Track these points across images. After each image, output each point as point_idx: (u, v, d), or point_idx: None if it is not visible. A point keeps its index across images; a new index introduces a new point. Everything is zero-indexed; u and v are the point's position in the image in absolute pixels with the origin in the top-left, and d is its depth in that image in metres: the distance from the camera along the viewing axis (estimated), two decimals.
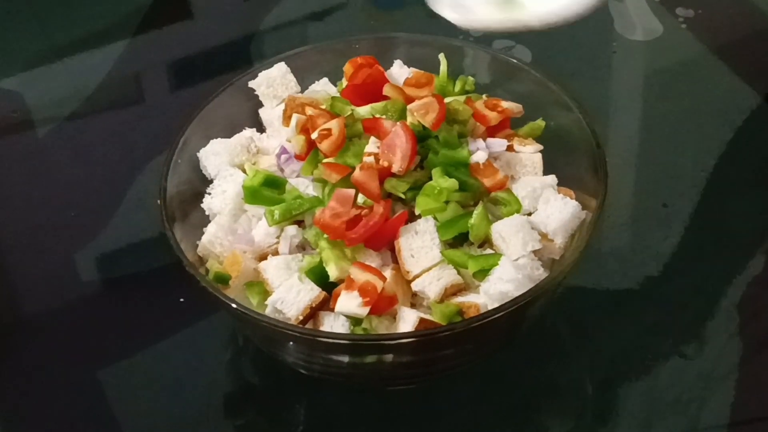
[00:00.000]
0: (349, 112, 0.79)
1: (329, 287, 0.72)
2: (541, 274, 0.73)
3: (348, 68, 0.84)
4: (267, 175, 0.77)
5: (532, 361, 0.79)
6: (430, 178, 0.75)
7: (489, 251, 0.74)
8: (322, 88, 0.86)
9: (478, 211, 0.74)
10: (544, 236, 0.74)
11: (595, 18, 1.10)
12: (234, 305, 0.69)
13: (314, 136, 0.76)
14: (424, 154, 0.76)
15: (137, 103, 1.08)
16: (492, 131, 0.81)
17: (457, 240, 0.74)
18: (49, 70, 1.10)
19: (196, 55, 1.10)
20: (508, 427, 0.77)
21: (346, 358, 0.73)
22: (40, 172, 0.99)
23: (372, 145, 0.76)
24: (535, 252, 0.73)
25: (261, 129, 0.86)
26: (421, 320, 0.70)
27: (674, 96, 1.01)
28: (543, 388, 0.78)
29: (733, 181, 0.92)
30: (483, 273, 0.71)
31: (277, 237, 0.76)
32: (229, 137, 0.83)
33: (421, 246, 0.73)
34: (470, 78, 0.85)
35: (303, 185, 0.78)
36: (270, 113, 0.85)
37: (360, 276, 0.70)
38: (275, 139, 0.83)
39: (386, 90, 0.79)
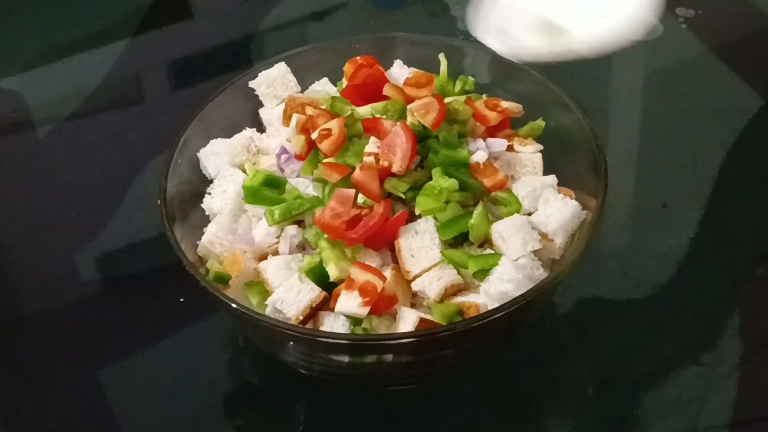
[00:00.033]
0: (349, 112, 0.79)
1: (329, 287, 0.72)
2: (541, 274, 0.73)
3: (348, 68, 0.84)
4: (267, 175, 0.77)
5: (532, 361, 0.79)
6: (430, 178, 0.75)
7: (489, 251, 0.74)
8: (322, 88, 0.86)
9: (478, 211, 0.74)
10: (544, 236, 0.74)
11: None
12: (234, 305, 0.69)
13: (314, 136, 0.76)
14: (424, 154, 0.76)
15: (137, 103, 1.08)
16: (492, 131, 0.81)
17: (457, 240, 0.74)
18: (49, 70, 1.10)
19: (196, 55, 1.10)
20: (508, 427, 0.77)
21: (346, 358, 0.73)
22: (40, 172, 0.99)
23: (372, 145, 0.76)
24: (535, 252, 0.73)
25: (261, 129, 0.86)
26: (421, 320, 0.70)
27: (674, 96, 1.01)
28: (543, 388, 0.78)
29: (733, 181, 0.92)
30: (483, 273, 0.71)
31: (277, 237, 0.76)
32: (229, 137, 0.83)
33: (421, 246, 0.73)
34: (470, 78, 0.85)
35: (303, 185, 0.78)
36: (270, 113, 0.85)
37: (360, 276, 0.70)
38: (275, 139, 0.83)
39: (386, 90, 0.79)
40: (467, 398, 0.78)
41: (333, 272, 0.72)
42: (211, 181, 0.81)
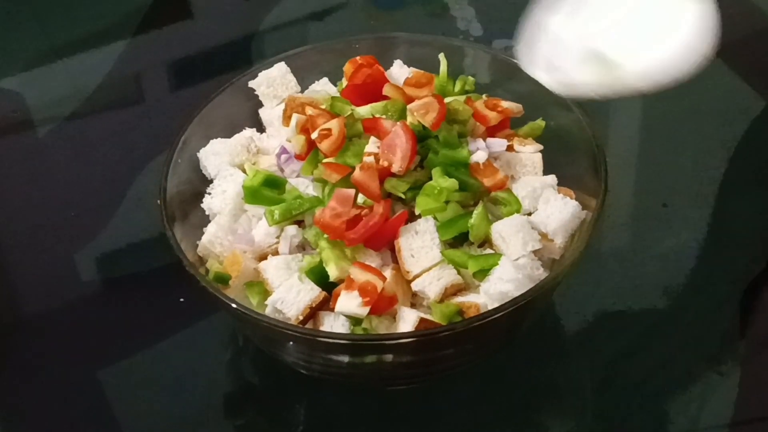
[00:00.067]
0: (349, 112, 0.79)
1: (329, 287, 0.72)
2: (541, 274, 0.73)
3: (348, 68, 0.84)
4: (267, 175, 0.77)
5: (532, 361, 0.79)
6: (430, 178, 0.75)
7: (489, 251, 0.74)
8: (322, 88, 0.86)
9: (478, 211, 0.74)
10: (544, 236, 0.74)
11: None
12: (234, 305, 0.69)
13: (314, 136, 0.76)
14: (424, 154, 0.76)
15: (137, 103, 1.08)
16: (492, 131, 0.81)
17: (457, 240, 0.74)
18: (49, 70, 1.10)
19: (196, 55, 1.10)
20: (508, 427, 0.77)
21: (346, 358, 0.73)
22: (40, 172, 0.99)
23: (372, 145, 0.76)
24: (535, 252, 0.73)
25: (261, 129, 0.86)
26: (421, 320, 0.70)
27: (674, 96, 1.00)
28: (543, 388, 0.78)
29: (733, 181, 0.92)
30: (483, 273, 0.71)
31: (277, 237, 0.76)
32: (229, 137, 0.83)
33: (421, 246, 0.73)
34: (470, 78, 0.85)
35: (303, 185, 0.78)
36: (270, 113, 0.85)
37: (360, 276, 0.70)
38: (275, 139, 0.83)
39: (386, 90, 0.79)
40: (467, 398, 0.78)
41: (333, 272, 0.72)
42: (211, 181, 0.81)
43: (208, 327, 0.83)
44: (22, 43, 1.14)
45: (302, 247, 0.76)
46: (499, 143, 0.79)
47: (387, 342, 0.69)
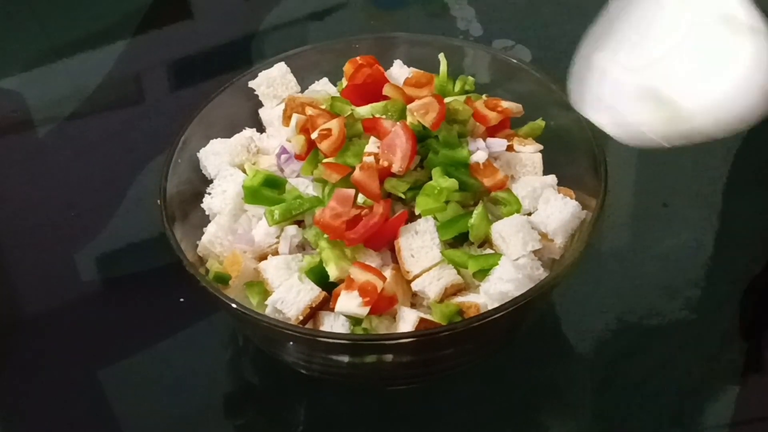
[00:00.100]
0: (349, 112, 0.79)
1: (329, 287, 0.72)
2: (541, 274, 0.73)
3: (348, 68, 0.84)
4: (267, 175, 0.77)
5: (532, 361, 0.79)
6: (430, 178, 0.75)
7: (489, 251, 0.74)
8: (322, 88, 0.86)
9: (478, 211, 0.74)
10: (544, 236, 0.74)
11: (596, 18, 1.11)
12: (234, 305, 0.69)
13: (314, 136, 0.76)
14: (424, 154, 0.76)
15: (137, 103, 1.08)
16: (492, 131, 0.81)
17: (457, 240, 0.74)
18: (49, 70, 1.10)
19: (196, 55, 1.10)
20: (508, 427, 0.77)
21: (346, 358, 0.73)
22: (40, 172, 0.99)
23: (372, 145, 0.76)
24: (535, 252, 0.73)
25: (261, 129, 0.86)
26: (421, 320, 0.70)
27: None
28: (543, 388, 0.78)
29: (733, 181, 0.92)
30: (483, 273, 0.71)
31: (277, 237, 0.76)
32: (229, 137, 0.83)
33: (421, 246, 0.73)
34: (470, 78, 0.85)
35: (303, 185, 0.78)
36: (270, 113, 0.85)
37: (360, 276, 0.70)
38: (275, 139, 0.83)
39: (386, 90, 0.79)
40: (467, 398, 0.78)
41: (333, 272, 0.72)
42: (211, 181, 0.81)
43: (208, 327, 0.83)
44: (22, 43, 1.14)
45: (302, 247, 0.76)
46: (499, 143, 0.79)
47: (387, 342, 0.69)
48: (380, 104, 0.79)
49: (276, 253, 0.76)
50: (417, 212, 0.74)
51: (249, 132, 0.84)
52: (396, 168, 0.74)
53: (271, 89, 0.85)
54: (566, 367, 0.80)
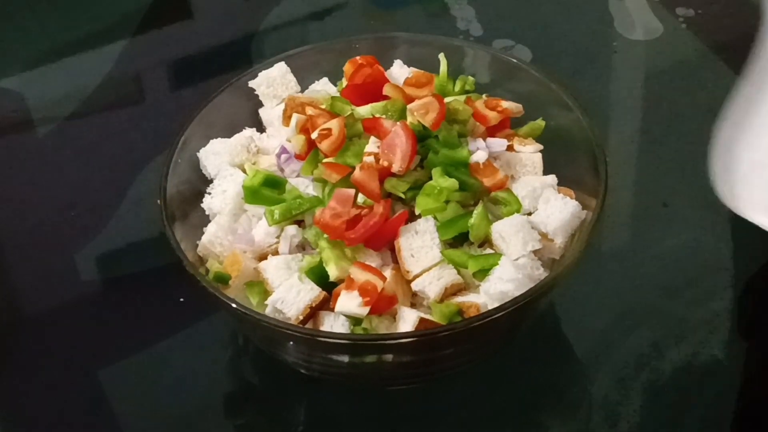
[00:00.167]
0: (349, 112, 0.79)
1: (329, 287, 0.72)
2: (541, 273, 0.73)
3: (348, 68, 0.84)
4: (267, 175, 0.77)
5: (532, 361, 0.79)
6: (430, 178, 0.75)
7: (489, 251, 0.74)
8: (322, 88, 0.86)
9: (478, 210, 0.74)
10: (544, 236, 0.74)
11: (595, 18, 1.11)
12: (234, 305, 0.69)
13: (314, 136, 0.76)
14: (424, 153, 0.76)
15: (137, 103, 1.08)
16: (492, 131, 0.81)
17: (457, 240, 0.74)
18: (49, 70, 1.10)
19: (196, 55, 1.10)
20: (508, 427, 0.77)
21: (346, 358, 0.73)
22: (40, 172, 0.99)
23: (372, 145, 0.76)
24: (535, 252, 0.73)
25: (261, 129, 0.86)
26: (421, 320, 0.70)
27: (674, 96, 1.01)
28: (543, 388, 0.78)
29: None
30: (483, 273, 0.71)
31: (277, 237, 0.76)
32: (229, 137, 0.83)
33: (421, 246, 0.73)
34: (470, 78, 0.85)
35: (303, 185, 0.78)
36: (270, 113, 0.85)
37: (360, 276, 0.70)
38: (275, 139, 0.83)
39: (386, 90, 0.79)
40: (467, 398, 0.78)
41: (333, 272, 0.72)
42: (211, 181, 0.81)
43: (208, 327, 0.83)
44: (22, 43, 1.14)
45: (302, 247, 0.76)
46: (499, 143, 0.79)
47: (387, 342, 0.69)
48: (380, 104, 0.79)
49: (276, 253, 0.76)
50: (417, 212, 0.74)
51: (249, 132, 0.84)
52: (396, 168, 0.74)
53: (271, 89, 0.85)
54: (566, 367, 0.80)
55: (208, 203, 0.79)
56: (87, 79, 1.08)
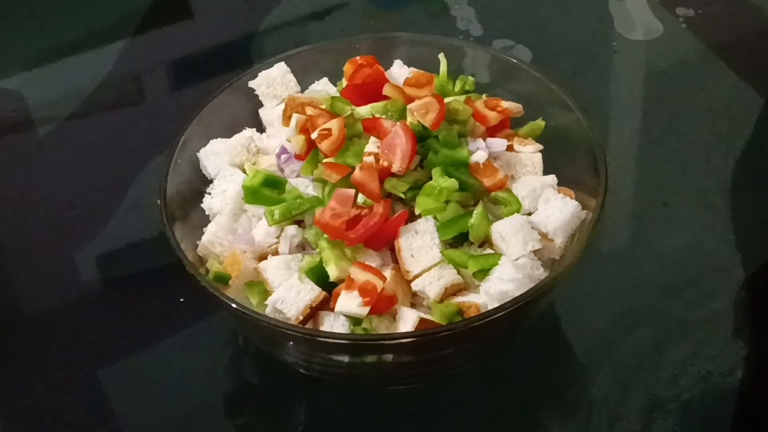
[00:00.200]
0: (349, 112, 0.79)
1: (329, 287, 0.72)
2: (541, 273, 0.73)
3: (348, 68, 0.84)
4: (267, 175, 0.77)
5: (532, 361, 0.79)
6: (430, 178, 0.75)
7: (489, 251, 0.74)
8: (322, 88, 0.86)
9: (478, 210, 0.74)
10: (544, 236, 0.74)
11: (595, 18, 1.11)
12: (234, 305, 0.69)
13: (314, 136, 0.76)
14: (424, 153, 0.76)
15: (137, 103, 1.08)
16: (492, 131, 0.81)
17: (457, 240, 0.74)
18: (49, 70, 1.10)
19: (196, 55, 1.10)
20: (508, 427, 0.77)
21: (346, 358, 0.73)
22: (40, 172, 0.99)
23: (372, 145, 0.76)
24: (535, 252, 0.73)
25: (261, 129, 0.86)
26: (421, 320, 0.70)
27: (674, 96, 1.01)
28: (543, 388, 0.78)
29: (733, 181, 0.92)
30: (483, 273, 0.71)
31: (277, 237, 0.76)
32: (229, 137, 0.83)
33: (421, 246, 0.73)
34: (470, 78, 0.85)
35: (303, 185, 0.78)
36: (270, 113, 0.85)
37: (360, 276, 0.70)
38: (275, 139, 0.83)
39: (386, 90, 0.79)
40: (467, 398, 0.78)
41: (333, 272, 0.72)
42: (211, 181, 0.81)
43: (208, 327, 0.83)
44: (22, 43, 1.14)
45: (302, 247, 0.76)
46: (499, 143, 0.79)
47: (387, 342, 0.69)
48: (380, 104, 0.79)
49: (276, 253, 0.76)
50: (417, 212, 0.74)
51: (249, 132, 0.84)
52: (396, 168, 0.74)
53: (271, 89, 0.85)
54: (566, 367, 0.80)
55: (208, 203, 0.79)
56: (87, 79, 1.08)
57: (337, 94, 0.82)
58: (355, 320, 0.71)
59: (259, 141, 0.84)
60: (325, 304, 0.72)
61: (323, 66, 0.88)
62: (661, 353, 0.79)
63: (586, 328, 0.82)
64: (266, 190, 0.77)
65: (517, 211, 0.75)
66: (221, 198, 0.79)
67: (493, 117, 0.80)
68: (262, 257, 0.76)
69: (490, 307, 0.70)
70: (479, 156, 0.76)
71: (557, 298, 0.81)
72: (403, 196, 0.75)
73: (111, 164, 0.98)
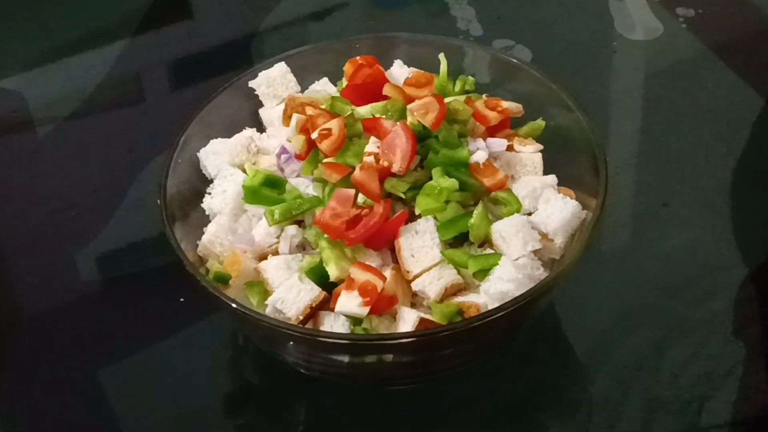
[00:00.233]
0: (349, 112, 0.79)
1: (329, 287, 0.72)
2: (541, 273, 0.73)
3: (348, 68, 0.84)
4: (267, 174, 0.77)
5: (532, 361, 0.79)
6: (430, 178, 0.75)
7: (489, 251, 0.74)
8: (322, 88, 0.86)
9: (478, 210, 0.74)
10: (544, 236, 0.74)
11: (595, 18, 1.11)
12: (234, 305, 0.69)
13: (314, 136, 0.76)
14: (424, 153, 0.76)
15: (137, 103, 1.08)
16: (492, 131, 0.81)
17: (457, 240, 0.74)
18: (49, 70, 1.10)
19: (196, 55, 1.10)
20: (508, 427, 0.77)
21: (346, 358, 0.73)
22: (40, 172, 0.99)
23: (372, 145, 0.76)
24: (535, 252, 0.73)
25: (261, 129, 0.86)
26: (421, 320, 0.70)
27: (674, 96, 1.01)
28: (543, 388, 0.78)
29: (733, 181, 0.92)
30: (483, 273, 0.71)
31: (277, 237, 0.76)
32: (229, 137, 0.83)
33: (421, 246, 0.73)
34: (470, 78, 0.85)
35: (303, 185, 0.78)
36: (270, 113, 0.85)
37: (360, 276, 0.70)
38: (275, 139, 0.83)
39: (386, 90, 0.79)
40: (467, 398, 0.78)
41: (333, 272, 0.72)
42: (211, 181, 0.81)
43: (208, 327, 0.83)
44: (22, 43, 1.14)
45: (302, 247, 0.76)
46: (499, 143, 0.79)
47: (387, 342, 0.69)
48: (380, 104, 0.79)
49: (276, 253, 0.76)
50: (417, 212, 0.74)
51: (249, 132, 0.84)
52: (396, 168, 0.74)
53: (271, 89, 0.85)
54: (566, 367, 0.80)
55: (208, 203, 0.79)
56: (87, 79, 1.08)
57: (337, 94, 0.82)
58: (355, 320, 0.71)
59: (259, 141, 0.84)
60: (325, 304, 0.72)
61: (323, 66, 0.88)
62: (661, 353, 0.79)
63: (586, 328, 0.82)
64: (266, 190, 0.77)
65: (517, 211, 0.75)
66: (221, 198, 0.79)
67: (493, 117, 0.80)
68: (262, 257, 0.76)
69: (490, 307, 0.70)
70: (479, 156, 0.76)
71: (557, 298, 0.81)
72: (403, 196, 0.75)
73: (111, 164, 0.98)
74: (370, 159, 0.75)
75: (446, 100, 0.79)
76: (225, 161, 0.81)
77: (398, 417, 0.77)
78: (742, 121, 0.97)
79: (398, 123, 0.75)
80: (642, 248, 0.87)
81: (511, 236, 0.73)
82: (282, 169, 0.79)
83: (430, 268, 0.72)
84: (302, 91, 0.86)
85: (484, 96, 0.83)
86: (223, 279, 0.74)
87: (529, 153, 0.79)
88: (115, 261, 0.90)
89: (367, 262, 0.72)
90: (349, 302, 0.70)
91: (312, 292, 0.71)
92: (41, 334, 0.85)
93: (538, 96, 0.82)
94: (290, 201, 0.76)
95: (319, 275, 0.72)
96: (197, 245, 0.77)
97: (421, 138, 0.76)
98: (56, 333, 0.85)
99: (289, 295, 0.71)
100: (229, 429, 0.79)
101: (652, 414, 0.75)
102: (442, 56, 0.84)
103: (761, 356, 0.80)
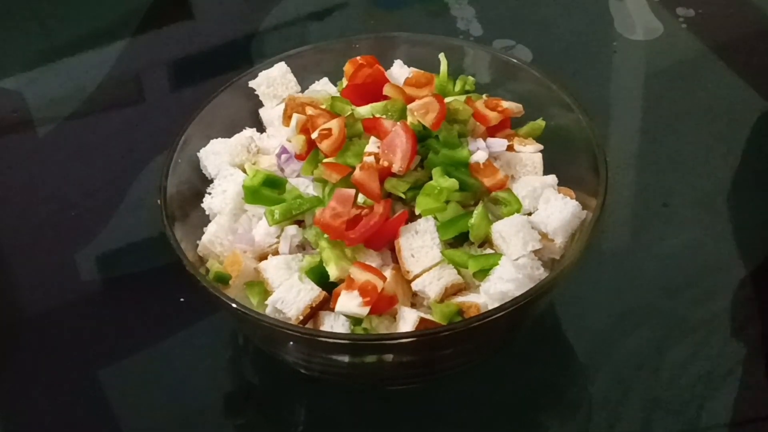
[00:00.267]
0: (349, 112, 0.79)
1: (329, 287, 0.72)
2: (541, 273, 0.73)
3: (348, 68, 0.84)
4: (267, 174, 0.77)
5: (532, 361, 0.79)
6: (431, 178, 0.75)
7: (489, 251, 0.74)
8: (322, 88, 0.86)
9: (478, 210, 0.74)
10: (544, 236, 0.74)
11: (595, 18, 1.11)
12: (234, 305, 0.69)
13: (314, 136, 0.76)
14: (424, 153, 0.76)
15: (137, 103, 1.08)
16: (492, 131, 0.81)
17: (457, 240, 0.74)
18: (49, 70, 1.10)
19: (196, 55, 1.10)
20: (508, 427, 0.77)
21: (346, 358, 0.73)
22: (40, 172, 0.99)
23: (372, 145, 0.76)
24: (535, 252, 0.73)
25: (261, 129, 0.86)
26: (421, 320, 0.70)
27: (674, 96, 1.01)
28: (543, 388, 0.78)
29: (733, 181, 0.92)
30: (483, 273, 0.71)
31: (277, 237, 0.76)
32: (229, 137, 0.83)
33: (421, 246, 0.73)
34: (470, 78, 0.85)
35: (303, 185, 0.78)
36: (270, 113, 0.85)
37: (360, 276, 0.70)
38: (275, 139, 0.83)
39: (386, 90, 0.79)
40: (467, 398, 0.78)
41: (333, 272, 0.72)
42: (211, 181, 0.81)
43: (208, 327, 0.83)
44: (22, 43, 1.14)
45: (302, 247, 0.76)
46: (499, 143, 0.79)
47: (387, 342, 0.69)
48: (380, 104, 0.79)
49: (276, 253, 0.76)
50: (417, 212, 0.74)
51: (249, 132, 0.84)
52: (396, 168, 0.74)
53: (271, 89, 0.85)
54: (566, 367, 0.80)
55: (208, 203, 0.79)
56: (87, 79, 1.08)
57: (337, 94, 0.83)
58: (355, 320, 0.71)
59: (259, 141, 0.84)
60: (325, 304, 0.72)
61: (323, 66, 0.88)
62: (661, 353, 0.79)
63: (586, 328, 0.82)
64: (266, 190, 0.77)
65: (518, 211, 0.75)
66: (221, 198, 0.79)
67: (493, 117, 0.80)
68: (262, 257, 0.76)
69: (490, 307, 0.70)
70: (479, 156, 0.76)
71: (557, 298, 0.81)
72: (403, 196, 0.75)
73: (111, 164, 0.98)
74: (370, 159, 0.75)
75: (446, 100, 0.79)
76: (225, 161, 0.81)
77: (398, 417, 0.77)
78: (742, 121, 0.97)
79: (398, 123, 0.75)
80: (642, 248, 0.87)
81: (511, 236, 0.73)
82: (282, 169, 0.79)
83: (430, 268, 0.72)
84: (302, 91, 0.86)
85: (484, 96, 0.83)
86: (223, 279, 0.74)
87: (529, 153, 0.79)
88: (115, 261, 0.90)
89: (367, 262, 0.72)
90: (349, 302, 0.70)
91: (312, 292, 0.71)
92: (41, 334, 0.85)
93: (538, 96, 0.82)
94: (290, 201, 0.76)
95: (319, 275, 0.72)
96: (197, 245, 0.77)
97: (421, 138, 0.76)
98: (56, 333, 0.85)
99: (289, 295, 0.71)
100: (229, 429, 0.79)
101: (652, 414, 0.75)
102: (442, 56, 0.84)
103: (761, 356, 0.80)
